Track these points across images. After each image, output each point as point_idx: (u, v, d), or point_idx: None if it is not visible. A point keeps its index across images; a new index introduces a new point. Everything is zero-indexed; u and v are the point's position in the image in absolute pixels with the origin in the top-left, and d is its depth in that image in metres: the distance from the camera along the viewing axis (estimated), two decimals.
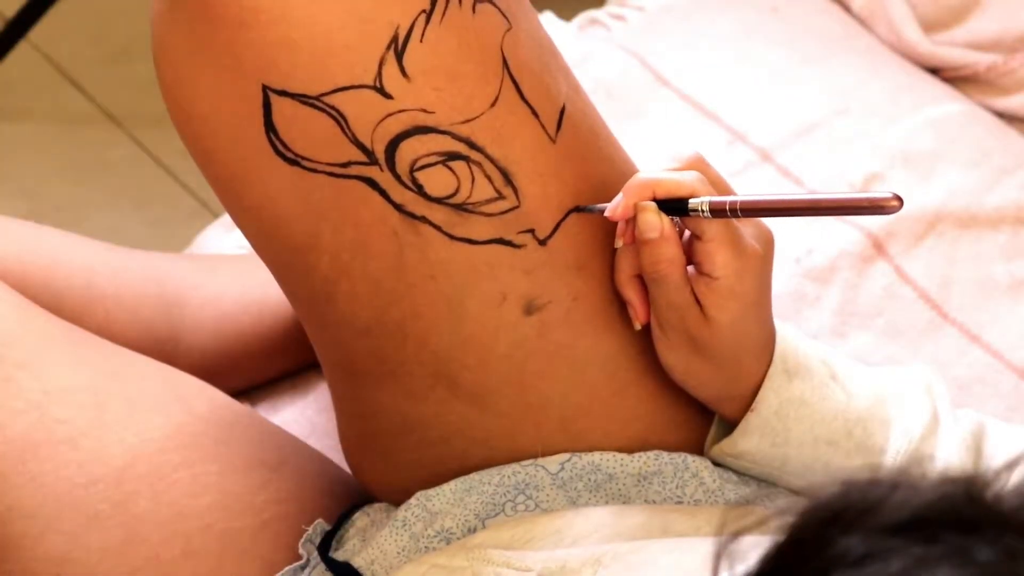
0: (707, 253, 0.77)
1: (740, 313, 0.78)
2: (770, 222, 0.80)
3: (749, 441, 0.82)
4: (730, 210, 0.75)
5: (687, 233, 0.78)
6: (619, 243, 0.79)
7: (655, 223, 0.77)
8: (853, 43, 1.34)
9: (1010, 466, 0.69)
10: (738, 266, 0.77)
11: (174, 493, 0.86)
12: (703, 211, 0.75)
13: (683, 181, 0.76)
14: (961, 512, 0.51)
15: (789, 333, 0.83)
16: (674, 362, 0.81)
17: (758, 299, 0.79)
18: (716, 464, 0.85)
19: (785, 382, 0.81)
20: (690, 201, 0.76)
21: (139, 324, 1.02)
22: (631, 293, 0.81)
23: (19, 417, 0.85)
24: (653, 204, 0.77)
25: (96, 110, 1.81)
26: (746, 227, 0.78)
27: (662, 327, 0.80)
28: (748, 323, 0.79)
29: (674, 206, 0.76)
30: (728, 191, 0.78)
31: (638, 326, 0.81)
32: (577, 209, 0.81)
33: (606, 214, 0.78)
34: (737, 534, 0.53)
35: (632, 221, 0.78)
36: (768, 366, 0.81)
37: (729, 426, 0.84)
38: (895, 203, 0.70)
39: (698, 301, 0.78)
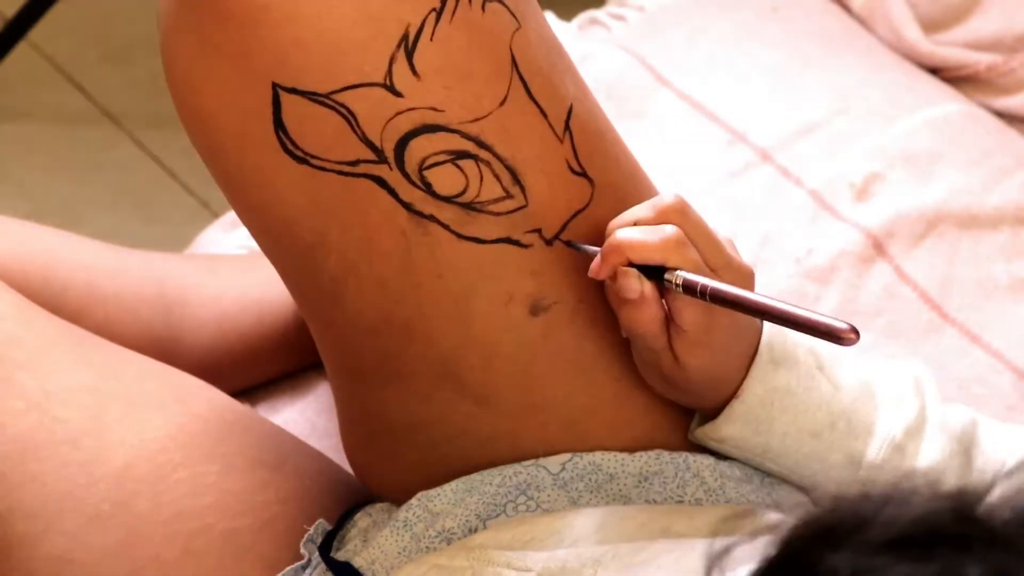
0: (677, 309, 0.77)
1: (709, 359, 0.79)
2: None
3: (732, 428, 0.82)
4: (700, 292, 0.75)
5: None
6: (592, 275, 0.79)
7: (635, 287, 0.76)
8: (853, 43, 1.34)
9: (1005, 477, 0.69)
10: (706, 322, 0.77)
11: (175, 493, 0.85)
12: (676, 285, 0.76)
13: (656, 245, 0.76)
14: (951, 528, 0.51)
15: (775, 327, 0.83)
16: (654, 384, 0.82)
17: (729, 346, 0.79)
18: (706, 450, 0.85)
19: (771, 371, 0.81)
20: (665, 275, 0.76)
21: (139, 324, 1.02)
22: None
23: (20, 417, 0.85)
24: (634, 270, 0.77)
25: (96, 110, 1.81)
26: (724, 272, 0.77)
27: (639, 361, 0.81)
28: (720, 365, 0.80)
29: (651, 272, 0.76)
30: (710, 240, 0.77)
31: (625, 335, 0.82)
32: (567, 243, 0.81)
33: (589, 274, 0.78)
34: (729, 546, 0.54)
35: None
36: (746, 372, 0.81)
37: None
38: (852, 336, 0.71)
39: (671, 347, 0.78)
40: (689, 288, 0.75)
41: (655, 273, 0.76)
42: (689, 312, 0.77)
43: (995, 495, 0.53)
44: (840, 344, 0.71)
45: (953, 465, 0.84)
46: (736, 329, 0.79)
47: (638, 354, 0.81)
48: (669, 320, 0.77)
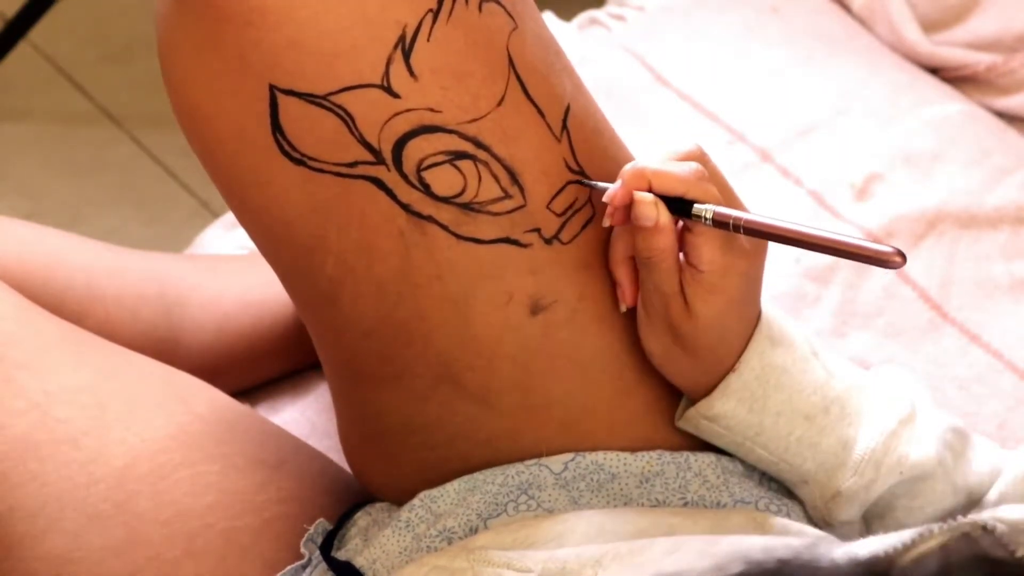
0: (695, 246, 0.77)
1: (722, 308, 0.78)
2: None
3: (727, 404, 0.82)
4: (733, 226, 0.75)
5: (680, 221, 0.78)
6: (607, 222, 0.79)
7: (651, 214, 0.77)
8: (853, 43, 1.34)
9: (916, 543, 0.68)
10: (724, 263, 0.77)
11: (175, 493, 0.86)
12: (706, 219, 0.76)
13: (679, 176, 0.76)
14: None
15: (772, 311, 0.83)
16: (654, 347, 0.82)
17: (742, 297, 0.79)
18: (706, 449, 0.85)
19: (769, 347, 0.81)
20: (694, 207, 0.76)
21: (139, 324, 1.02)
22: (622, 275, 0.81)
23: (20, 417, 0.85)
24: (650, 197, 0.77)
25: (96, 110, 1.81)
26: None
27: (647, 312, 0.81)
28: (730, 319, 0.79)
29: (678, 205, 0.76)
30: (725, 187, 0.78)
31: (623, 308, 0.82)
32: (579, 182, 0.81)
33: (604, 199, 0.78)
34: None
35: (627, 206, 0.78)
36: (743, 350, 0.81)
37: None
38: (898, 259, 0.71)
39: (683, 291, 0.78)
40: (720, 222, 0.75)
41: (675, 210, 0.76)
42: (707, 250, 0.76)
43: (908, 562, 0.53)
44: (887, 267, 0.71)
45: (945, 462, 0.84)
46: (749, 280, 0.79)
47: (647, 300, 0.80)
48: (684, 264, 0.77)
